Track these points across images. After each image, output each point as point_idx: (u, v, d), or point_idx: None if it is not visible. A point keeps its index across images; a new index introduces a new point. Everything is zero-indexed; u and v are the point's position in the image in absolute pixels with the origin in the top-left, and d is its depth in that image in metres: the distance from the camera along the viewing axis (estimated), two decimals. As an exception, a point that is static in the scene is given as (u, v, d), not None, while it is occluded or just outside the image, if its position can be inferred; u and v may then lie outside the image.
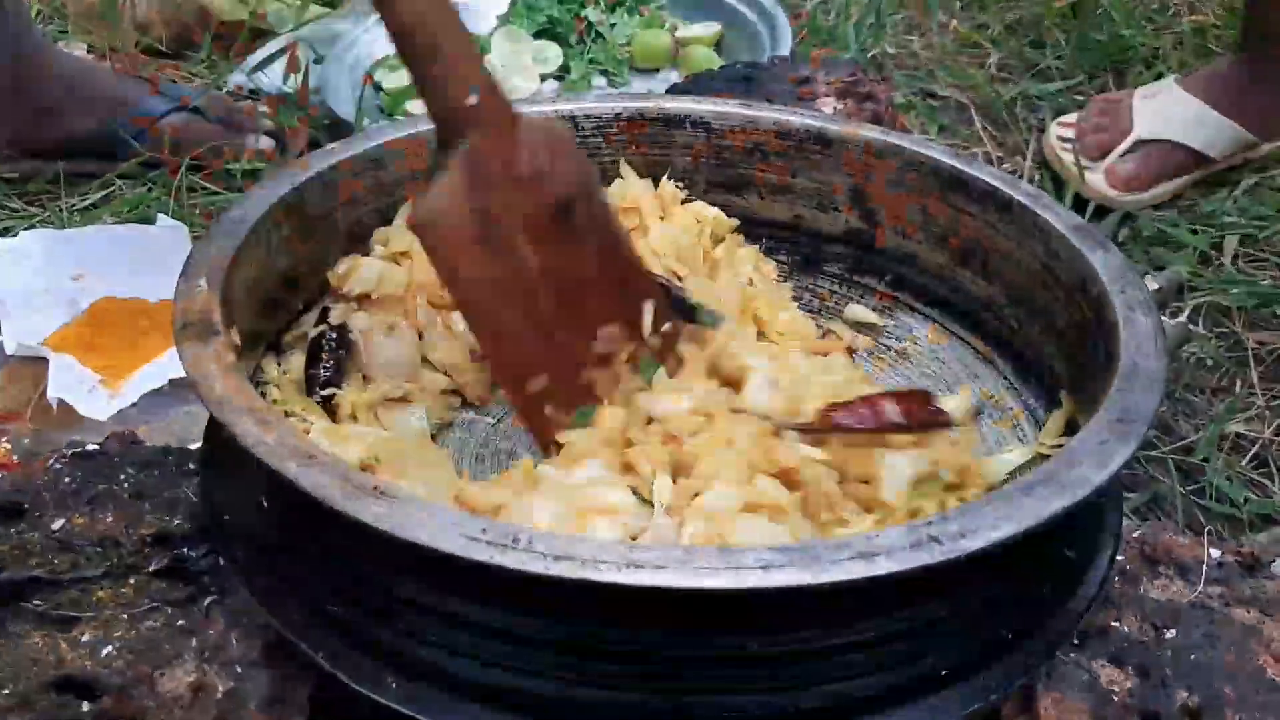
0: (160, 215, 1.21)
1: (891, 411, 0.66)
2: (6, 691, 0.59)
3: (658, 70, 1.56)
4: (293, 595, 0.59)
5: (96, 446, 0.76)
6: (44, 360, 0.98)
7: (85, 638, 0.63)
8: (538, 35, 1.57)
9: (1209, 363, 1.13)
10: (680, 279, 0.81)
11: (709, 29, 1.59)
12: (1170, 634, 0.65)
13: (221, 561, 0.65)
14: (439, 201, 0.66)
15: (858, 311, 0.86)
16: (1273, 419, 1.06)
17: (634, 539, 0.59)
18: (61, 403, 0.94)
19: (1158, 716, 0.61)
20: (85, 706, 0.59)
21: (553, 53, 1.54)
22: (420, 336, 0.78)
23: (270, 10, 1.64)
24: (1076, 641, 0.64)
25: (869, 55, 1.62)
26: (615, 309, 0.73)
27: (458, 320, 0.79)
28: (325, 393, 0.74)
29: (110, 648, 0.62)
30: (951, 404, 0.69)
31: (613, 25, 1.58)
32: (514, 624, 0.54)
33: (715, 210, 0.87)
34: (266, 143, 1.36)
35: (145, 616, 0.64)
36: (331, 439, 0.68)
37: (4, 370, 0.99)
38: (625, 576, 0.47)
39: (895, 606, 0.54)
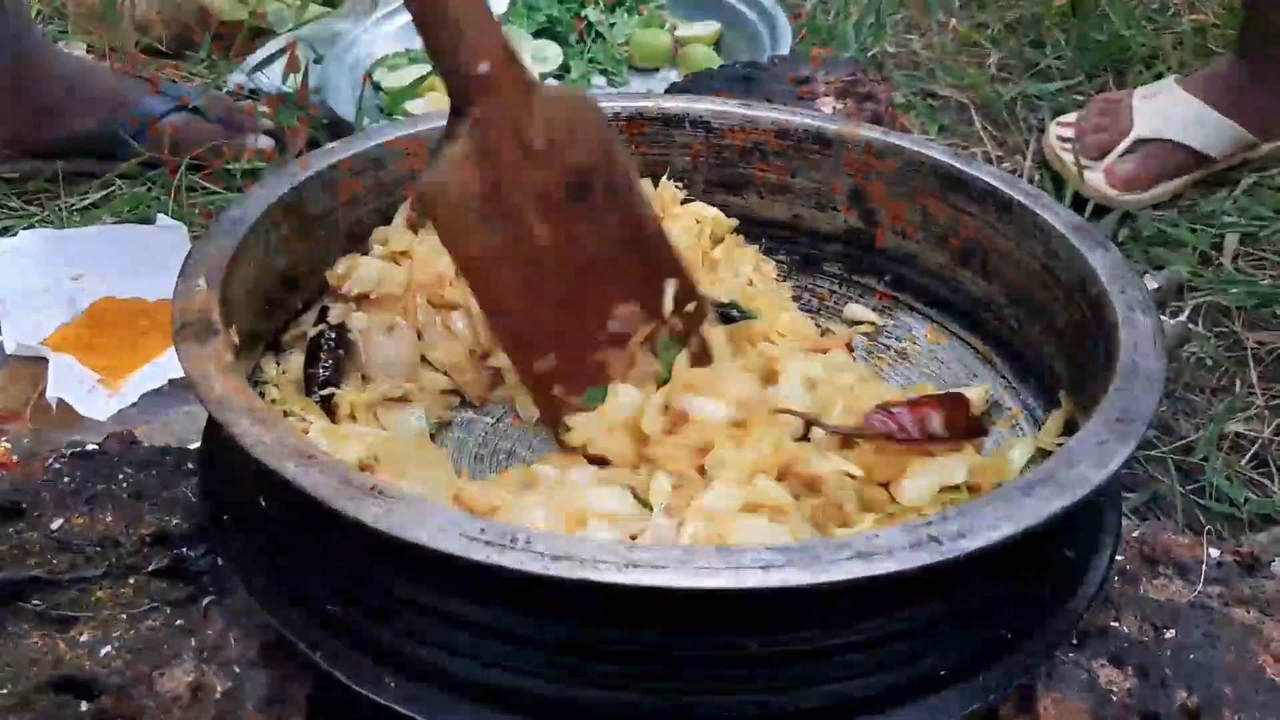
0: (160, 215, 1.21)
1: (935, 424, 0.66)
2: (5, 691, 0.59)
3: (657, 70, 1.56)
4: (291, 595, 0.58)
5: (96, 446, 0.76)
6: (43, 360, 0.98)
7: (84, 637, 0.63)
8: (537, 34, 1.57)
9: (1208, 362, 1.13)
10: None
11: (709, 28, 1.59)
12: (1170, 634, 0.65)
13: (220, 561, 0.65)
14: (446, 171, 0.64)
15: (857, 311, 0.86)
16: (1272, 419, 1.06)
17: (633, 538, 0.59)
18: (61, 402, 0.94)
19: (1157, 716, 0.61)
20: (84, 706, 0.59)
21: (552, 52, 1.54)
22: (419, 336, 0.78)
23: (270, 10, 1.64)
24: (1076, 641, 0.64)
25: (869, 55, 1.62)
26: (634, 288, 0.71)
27: (457, 320, 0.79)
28: (324, 392, 0.74)
29: (109, 647, 0.62)
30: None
31: (612, 25, 1.58)
32: (513, 624, 0.53)
33: (714, 210, 0.87)
34: (266, 142, 1.36)
35: (144, 616, 0.64)
36: (330, 439, 0.68)
37: (3, 370, 0.99)
38: (624, 576, 0.47)
39: (895, 606, 0.54)
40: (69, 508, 0.70)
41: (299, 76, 1.44)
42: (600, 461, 0.69)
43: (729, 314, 0.78)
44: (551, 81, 1.52)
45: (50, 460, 0.73)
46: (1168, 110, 1.36)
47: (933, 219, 0.82)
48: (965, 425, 0.67)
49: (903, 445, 0.65)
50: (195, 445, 0.72)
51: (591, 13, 1.58)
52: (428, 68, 1.49)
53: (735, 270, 0.85)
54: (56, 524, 0.68)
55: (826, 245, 0.88)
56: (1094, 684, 0.62)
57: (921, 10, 1.73)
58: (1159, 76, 1.51)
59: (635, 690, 0.54)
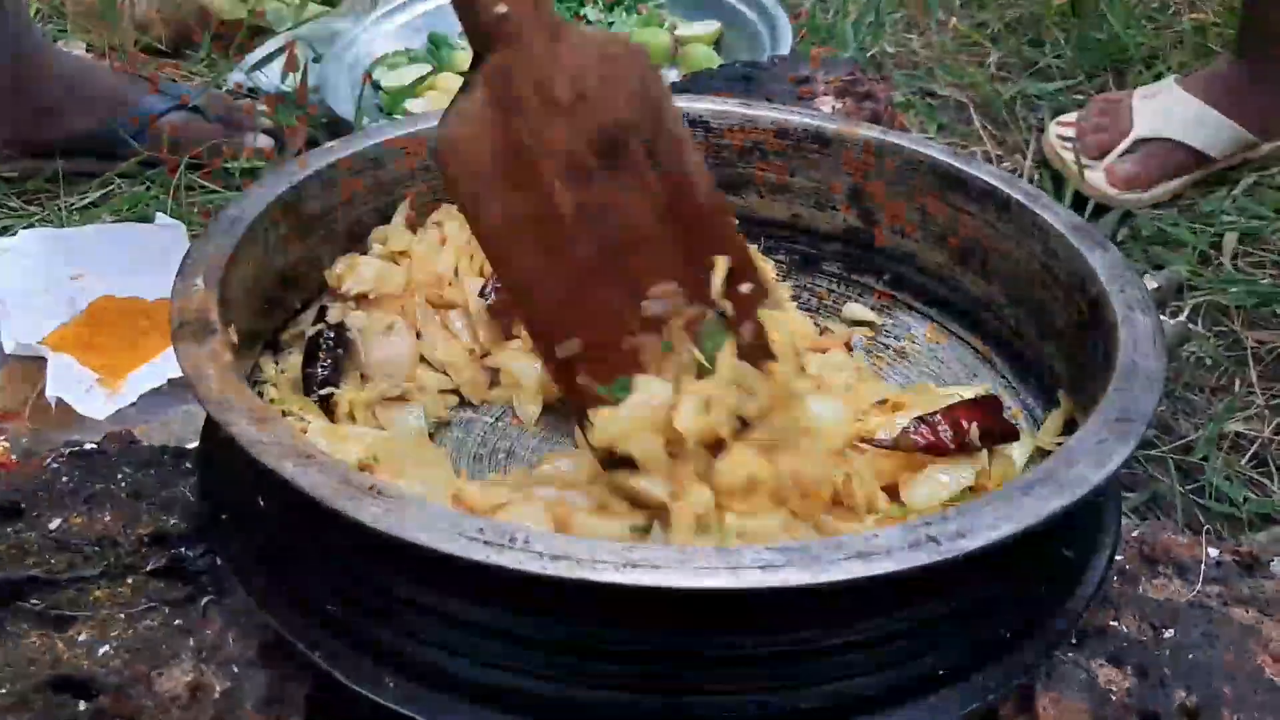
0: (159, 214, 1.21)
1: (973, 432, 0.66)
2: (4, 691, 0.59)
3: (657, 69, 1.56)
4: (290, 595, 0.58)
5: (94, 446, 0.75)
6: (42, 359, 0.97)
7: (82, 637, 0.63)
8: (537, 34, 1.56)
9: (1208, 362, 1.13)
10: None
11: (708, 28, 1.59)
12: (1169, 633, 0.65)
13: (219, 561, 0.65)
14: (460, 124, 0.57)
15: (856, 310, 0.86)
16: (1272, 418, 1.06)
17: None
18: (60, 402, 0.94)
19: (1156, 716, 0.61)
20: (82, 706, 0.59)
21: (552, 51, 1.54)
22: (418, 335, 0.78)
23: (269, 9, 1.64)
24: (1075, 641, 0.64)
25: (868, 54, 1.62)
26: (675, 264, 0.62)
27: (455, 319, 0.79)
28: (323, 392, 0.73)
29: (107, 647, 0.62)
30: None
31: (611, 24, 1.57)
32: (512, 624, 0.53)
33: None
34: (265, 141, 1.36)
35: (142, 616, 0.64)
36: (329, 438, 0.68)
37: (3, 369, 0.99)
38: (623, 576, 0.47)
39: (894, 606, 0.54)
40: (67, 507, 0.70)
41: (298, 75, 1.44)
42: (628, 464, 0.61)
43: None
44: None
45: (49, 460, 0.73)
46: (1168, 110, 1.36)
47: (932, 218, 0.82)
48: (998, 430, 0.67)
49: (942, 458, 0.65)
50: (194, 445, 0.72)
51: (591, 11, 1.58)
52: (428, 67, 1.49)
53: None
54: (55, 523, 0.68)
55: (825, 244, 0.88)
56: (1093, 684, 0.62)
57: (921, 9, 1.73)
58: (1159, 76, 1.51)
59: (634, 690, 0.53)
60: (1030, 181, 0.95)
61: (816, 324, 0.85)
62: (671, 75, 1.52)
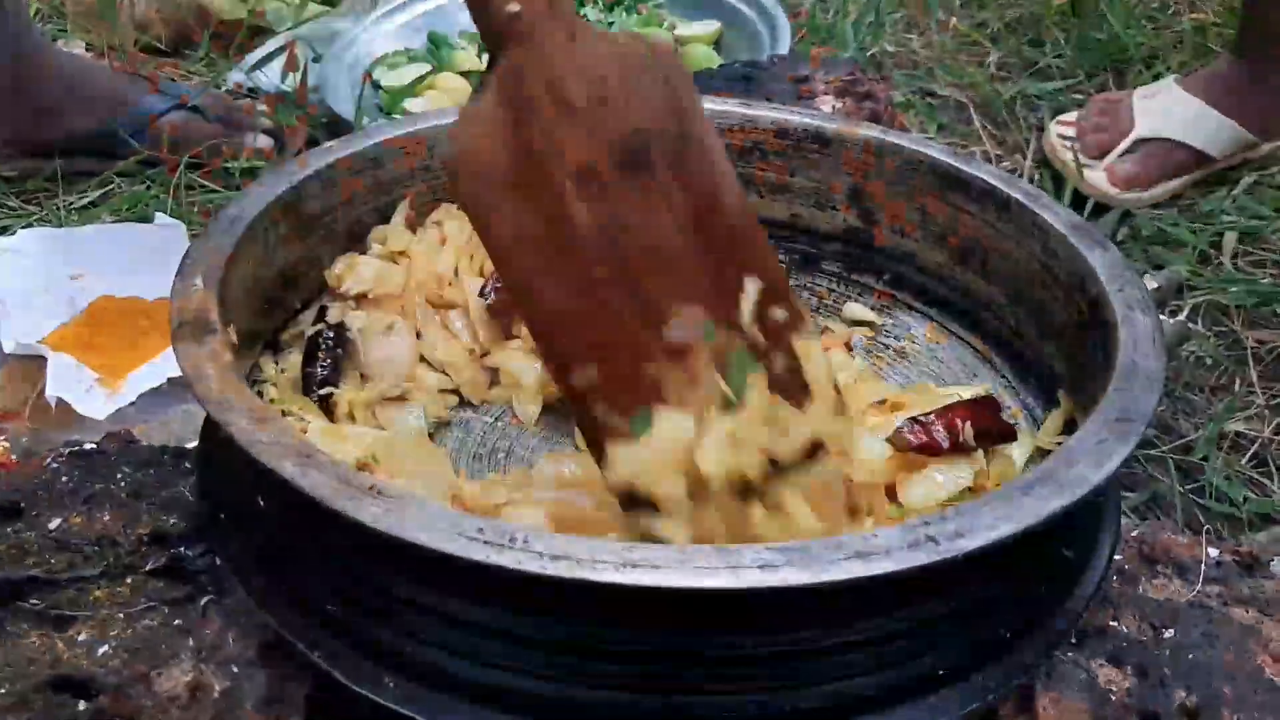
0: (159, 214, 1.21)
1: (968, 433, 0.66)
2: (3, 691, 0.59)
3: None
4: (290, 595, 0.58)
5: (94, 446, 0.75)
6: (42, 359, 0.97)
7: (82, 637, 0.63)
8: (536, 34, 1.56)
9: (1208, 361, 1.13)
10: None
11: (708, 28, 1.59)
12: (1169, 633, 0.65)
13: (218, 561, 0.65)
14: (470, 131, 0.54)
15: (856, 310, 0.86)
16: (1272, 418, 1.06)
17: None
18: (60, 402, 0.94)
19: (1156, 716, 0.61)
20: (82, 706, 0.59)
21: (552, 51, 1.54)
22: (418, 335, 0.78)
23: (269, 9, 1.64)
24: (1075, 641, 0.64)
25: (868, 54, 1.62)
26: (701, 286, 0.57)
27: (455, 319, 0.79)
28: (322, 391, 0.73)
29: (107, 647, 0.62)
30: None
31: (611, 24, 1.57)
32: (512, 624, 0.53)
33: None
34: (265, 141, 1.36)
35: (142, 616, 0.64)
36: (329, 438, 0.68)
37: (2, 369, 0.99)
38: (623, 576, 0.47)
39: (893, 606, 0.54)
40: (67, 507, 0.70)
41: (298, 75, 1.44)
42: (649, 504, 0.56)
43: None
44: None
45: (48, 459, 0.73)
46: (1168, 110, 1.36)
47: (931, 218, 0.82)
48: (995, 431, 0.67)
49: (936, 457, 0.65)
50: (193, 444, 0.72)
51: (590, 11, 1.58)
52: (427, 67, 1.49)
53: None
54: (54, 523, 0.68)
55: (825, 244, 0.88)
56: (1093, 683, 0.62)
57: (921, 9, 1.73)
58: (1159, 76, 1.51)
59: (634, 690, 0.53)
60: (1030, 181, 0.95)
61: (816, 324, 0.85)
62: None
